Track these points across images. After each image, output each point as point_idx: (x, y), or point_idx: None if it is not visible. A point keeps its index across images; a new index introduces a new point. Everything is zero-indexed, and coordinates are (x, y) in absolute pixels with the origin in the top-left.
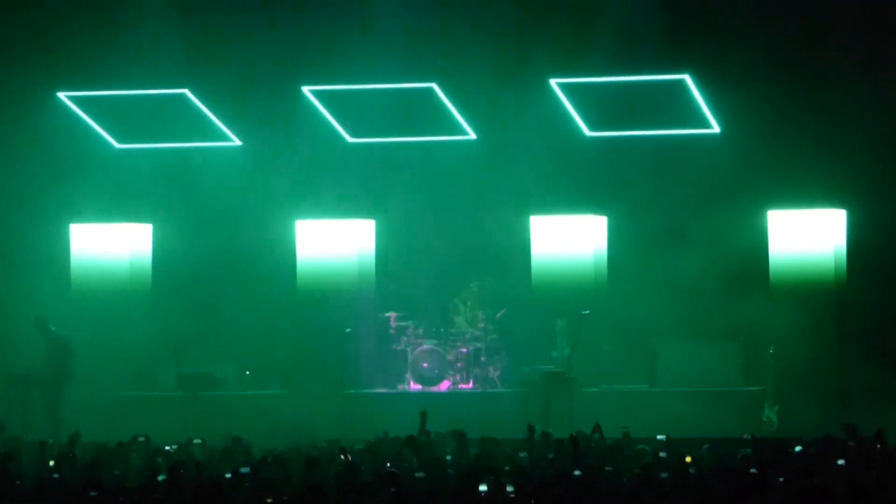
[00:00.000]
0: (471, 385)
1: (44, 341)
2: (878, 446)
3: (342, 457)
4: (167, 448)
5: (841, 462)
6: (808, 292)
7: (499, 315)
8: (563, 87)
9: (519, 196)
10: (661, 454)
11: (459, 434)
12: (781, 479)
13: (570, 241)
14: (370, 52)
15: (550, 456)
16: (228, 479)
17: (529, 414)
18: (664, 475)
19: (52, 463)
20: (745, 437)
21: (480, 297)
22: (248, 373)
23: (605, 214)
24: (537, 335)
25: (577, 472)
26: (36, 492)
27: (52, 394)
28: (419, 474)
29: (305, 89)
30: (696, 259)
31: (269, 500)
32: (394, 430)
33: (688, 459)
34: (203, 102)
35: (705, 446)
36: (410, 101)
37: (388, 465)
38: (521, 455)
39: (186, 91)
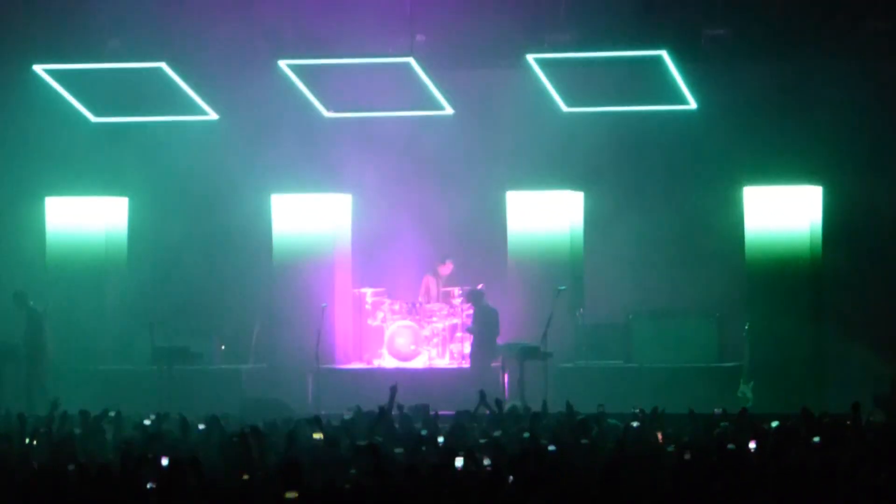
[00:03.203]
0: (446, 361)
1: (24, 316)
2: (848, 423)
3: (317, 433)
4: (146, 422)
5: (816, 439)
6: (784, 269)
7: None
8: (541, 62)
9: (495, 171)
10: (633, 424)
11: (425, 407)
12: (757, 455)
13: (546, 216)
14: (347, 26)
15: (526, 435)
16: (204, 453)
17: (504, 389)
18: (639, 450)
19: (27, 440)
20: (716, 411)
21: (457, 273)
22: (223, 347)
23: (582, 190)
24: (513, 311)
25: (551, 448)
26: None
27: (31, 368)
28: (398, 450)
29: (282, 63)
30: (672, 235)
31: (245, 477)
32: (369, 406)
33: (659, 435)
34: (180, 76)
35: (681, 422)
36: (388, 75)
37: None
38: (496, 434)
39: (163, 65)
